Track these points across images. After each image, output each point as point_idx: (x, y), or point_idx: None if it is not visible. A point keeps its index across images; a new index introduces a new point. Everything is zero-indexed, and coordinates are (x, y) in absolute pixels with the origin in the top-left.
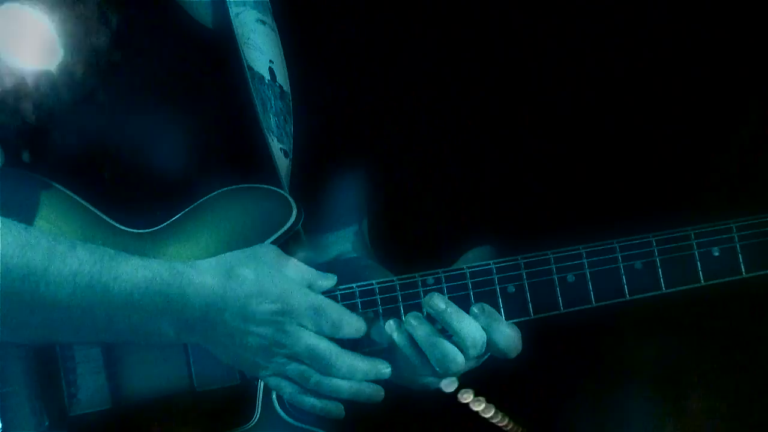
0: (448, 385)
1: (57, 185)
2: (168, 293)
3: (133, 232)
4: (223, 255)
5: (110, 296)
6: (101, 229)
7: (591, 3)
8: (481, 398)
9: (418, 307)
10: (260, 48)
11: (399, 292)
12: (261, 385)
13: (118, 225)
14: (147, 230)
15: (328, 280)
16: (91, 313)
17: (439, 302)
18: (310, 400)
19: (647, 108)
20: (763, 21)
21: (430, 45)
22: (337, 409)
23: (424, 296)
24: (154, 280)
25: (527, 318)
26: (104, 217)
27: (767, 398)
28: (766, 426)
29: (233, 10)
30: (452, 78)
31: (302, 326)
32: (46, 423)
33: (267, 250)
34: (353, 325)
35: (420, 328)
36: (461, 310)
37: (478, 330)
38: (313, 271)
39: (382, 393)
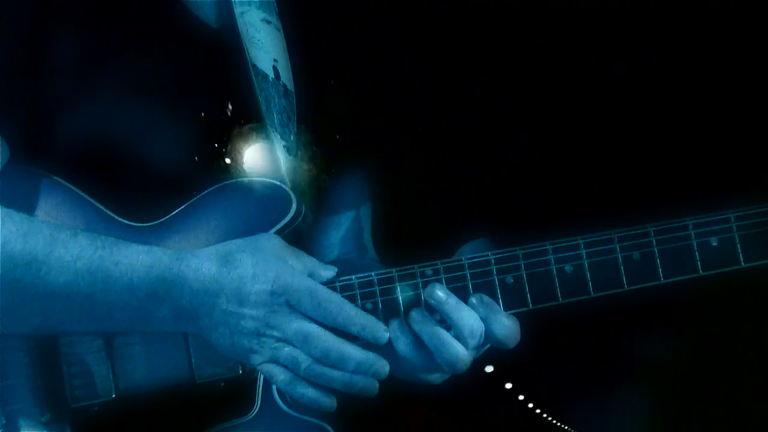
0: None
1: (58, 179)
2: (167, 278)
3: (134, 226)
4: (225, 242)
5: (111, 282)
6: (103, 222)
7: (591, 4)
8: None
9: (417, 299)
10: (265, 47)
11: (398, 284)
12: (261, 376)
13: (119, 218)
14: (148, 224)
15: (329, 271)
16: (92, 300)
17: (440, 293)
18: (302, 390)
19: (644, 100)
20: (762, 20)
21: (432, 44)
22: (329, 400)
23: (424, 288)
24: (154, 266)
25: (526, 309)
26: (106, 210)
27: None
28: (766, 426)
29: (238, 9)
30: (453, 76)
31: (295, 309)
32: (48, 414)
33: (268, 238)
34: (349, 313)
35: (425, 325)
36: (461, 302)
37: (476, 320)
38: (314, 260)
39: (377, 386)
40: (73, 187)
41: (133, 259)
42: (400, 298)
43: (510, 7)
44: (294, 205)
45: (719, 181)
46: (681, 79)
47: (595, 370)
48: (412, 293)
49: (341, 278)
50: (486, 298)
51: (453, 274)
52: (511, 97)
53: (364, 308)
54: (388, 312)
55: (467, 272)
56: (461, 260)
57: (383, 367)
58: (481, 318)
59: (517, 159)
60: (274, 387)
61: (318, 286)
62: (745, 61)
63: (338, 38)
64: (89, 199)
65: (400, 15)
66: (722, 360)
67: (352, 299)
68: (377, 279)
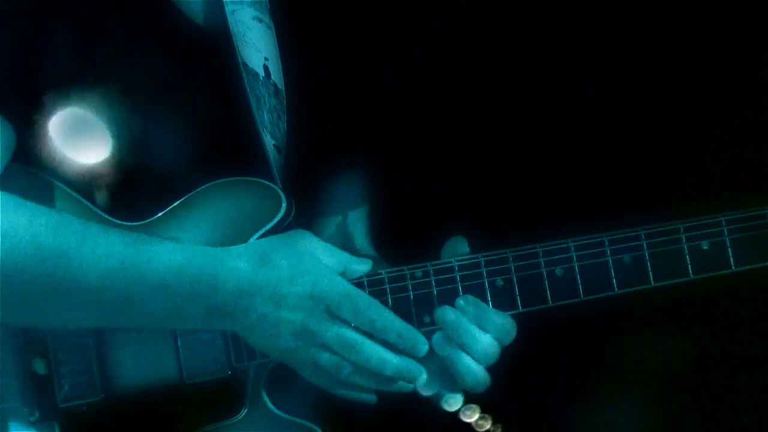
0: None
1: (49, 177)
2: (200, 277)
3: (123, 225)
4: (256, 240)
5: (143, 279)
6: (93, 221)
7: (588, 2)
8: (486, 416)
9: (407, 301)
10: (255, 45)
11: (387, 285)
12: (250, 377)
13: (110, 218)
14: (138, 222)
15: (363, 265)
16: (124, 296)
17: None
18: (344, 390)
19: (636, 101)
20: (757, 19)
21: (423, 45)
22: (369, 395)
23: (413, 289)
24: (186, 264)
25: (516, 311)
26: (96, 210)
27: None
28: (766, 426)
29: (229, 8)
30: (445, 76)
31: (334, 314)
32: (37, 414)
33: (302, 236)
34: (388, 320)
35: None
36: (473, 325)
37: (492, 345)
38: (347, 255)
39: (412, 386)
40: (63, 186)
41: (165, 257)
42: (390, 299)
43: (504, 10)
44: (284, 205)
45: (711, 184)
46: (676, 79)
47: (589, 373)
48: (401, 295)
49: None
50: (471, 298)
51: (442, 276)
52: (503, 100)
53: None
54: None
55: (457, 274)
56: (451, 262)
57: (420, 373)
58: (472, 317)
59: (509, 162)
60: (263, 388)
61: (356, 292)
62: (744, 66)
63: (331, 37)
64: (79, 197)
65: (394, 13)
66: (720, 361)
67: None
68: (367, 281)
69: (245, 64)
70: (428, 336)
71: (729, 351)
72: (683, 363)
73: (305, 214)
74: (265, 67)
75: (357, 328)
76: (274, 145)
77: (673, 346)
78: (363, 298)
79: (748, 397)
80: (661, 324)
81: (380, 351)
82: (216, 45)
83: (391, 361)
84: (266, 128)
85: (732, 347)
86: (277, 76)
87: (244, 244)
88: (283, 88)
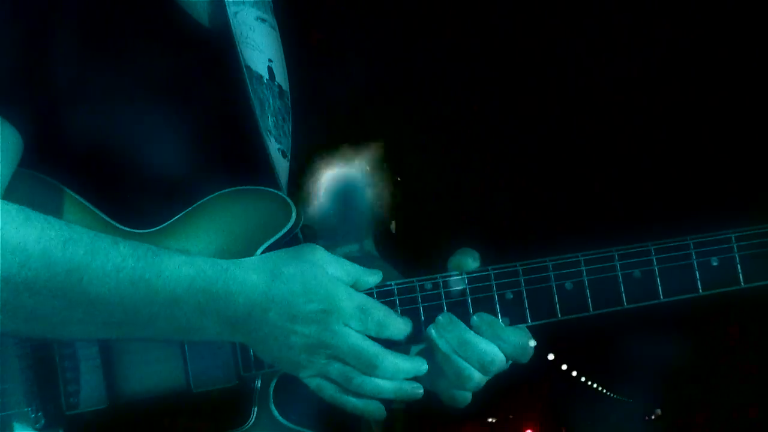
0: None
1: (58, 183)
2: (212, 290)
3: (132, 233)
4: (267, 254)
5: (153, 293)
6: (100, 229)
7: (594, 8)
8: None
9: (416, 312)
10: (259, 47)
11: (396, 297)
12: (258, 386)
13: (117, 225)
14: (146, 231)
15: (374, 276)
16: (134, 310)
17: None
18: (352, 401)
19: (648, 118)
20: (764, 25)
21: (431, 45)
22: (378, 409)
23: (423, 301)
24: (197, 277)
25: (525, 325)
26: (104, 216)
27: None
28: (766, 426)
29: (231, 9)
30: (454, 77)
31: (347, 326)
32: (43, 421)
33: (311, 249)
34: (398, 325)
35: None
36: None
37: (497, 353)
38: (358, 267)
39: (422, 390)
40: (71, 192)
41: (176, 270)
42: (399, 311)
43: (510, 15)
44: (294, 215)
45: (721, 200)
46: (687, 100)
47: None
48: (411, 306)
49: None
50: (486, 316)
51: (452, 288)
52: (514, 113)
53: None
54: None
55: (467, 287)
56: (461, 274)
57: (424, 364)
58: (489, 339)
59: (520, 175)
60: (270, 398)
61: (367, 300)
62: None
63: (336, 37)
64: (87, 204)
65: (400, 14)
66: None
67: None
68: (376, 292)
69: (248, 67)
70: None
71: (734, 356)
72: (688, 366)
73: (316, 223)
74: (269, 69)
75: (370, 337)
76: (279, 149)
77: (674, 349)
78: (377, 308)
79: (752, 401)
80: (662, 327)
81: (393, 358)
82: (219, 48)
83: (404, 366)
84: (270, 132)
85: (737, 352)
86: (281, 78)
87: (254, 257)
88: (288, 90)
